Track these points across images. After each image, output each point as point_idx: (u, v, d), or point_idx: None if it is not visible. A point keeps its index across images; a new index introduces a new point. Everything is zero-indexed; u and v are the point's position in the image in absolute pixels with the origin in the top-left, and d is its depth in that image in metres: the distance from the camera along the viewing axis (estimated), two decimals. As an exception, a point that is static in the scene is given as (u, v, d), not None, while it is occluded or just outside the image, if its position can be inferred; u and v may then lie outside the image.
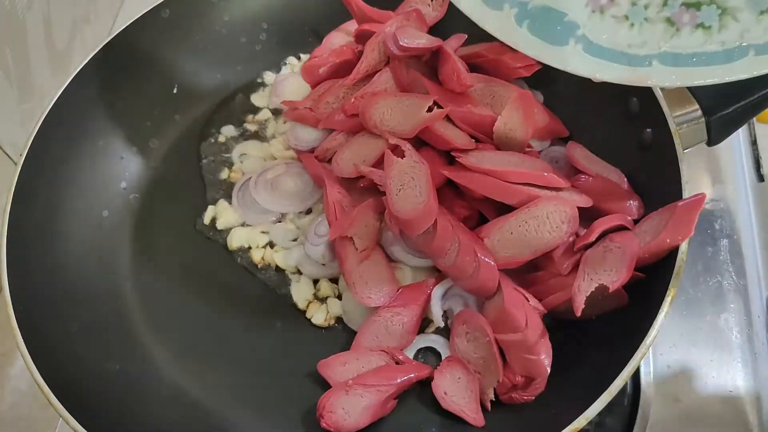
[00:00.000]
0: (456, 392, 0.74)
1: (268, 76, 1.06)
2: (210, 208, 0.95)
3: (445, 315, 0.82)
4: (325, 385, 0.76)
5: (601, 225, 0.74)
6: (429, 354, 0.81)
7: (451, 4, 0.99)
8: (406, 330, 0.79)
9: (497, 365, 0.73)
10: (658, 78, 0.60)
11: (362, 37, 0.95)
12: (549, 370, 0.71)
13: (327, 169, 0.89)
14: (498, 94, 0.87)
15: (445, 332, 0.81)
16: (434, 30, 1.00)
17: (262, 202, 0.92)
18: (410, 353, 0.80)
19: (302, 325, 0.85)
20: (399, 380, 0.74)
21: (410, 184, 0.77)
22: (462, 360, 0.76)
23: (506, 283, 0.75)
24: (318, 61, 0.96)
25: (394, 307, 0.79)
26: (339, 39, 1.02)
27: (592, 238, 0.74)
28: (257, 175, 0.94)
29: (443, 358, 0.79)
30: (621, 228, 0.75)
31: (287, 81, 1.03)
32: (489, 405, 0.73)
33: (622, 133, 0.84)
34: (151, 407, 0.79)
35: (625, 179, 0.81)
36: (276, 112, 1.03)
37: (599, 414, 0.63)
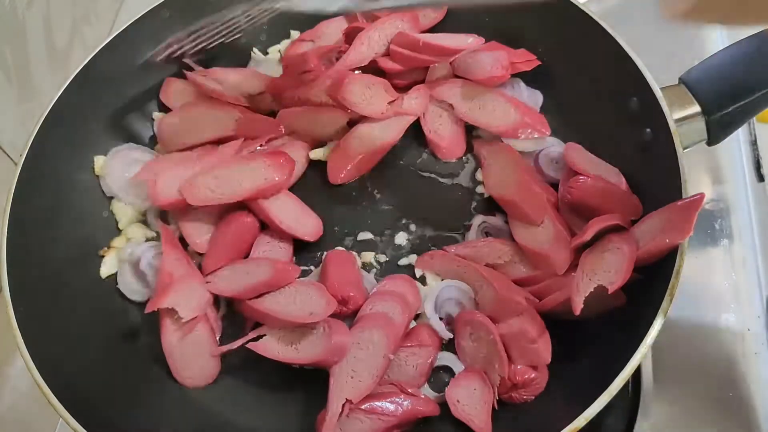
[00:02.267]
0: (469, 402, 0.73)
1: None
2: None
3: (447, 323, 0.81)
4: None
5: (597, 224, 0.74)
6: (442, 373, 0.79)
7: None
8: (419, 372, 0.76)
9: (502, 358, 0.73)
10: None
11: (351, 36, 0.96)
12: (550, 358, 0.72)
13: (167, 229, 0.87)
14: (486, 106, 0.91)
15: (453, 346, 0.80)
16: (433, 31, 1.00)
17: None
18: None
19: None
20: (401, 412, 0.72)
21: None
22: (481, 373, 0.75)
23: (493, 275, 0.76)
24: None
25: (411, 346, 0.77)
26: (332, 28, 1.02)
27: (587, 237, 0.74)
28: None
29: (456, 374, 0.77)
30: (620, 228, 0.75)
31: (261, 69, 1.03)
32: (496, 404, 0.73)
33: (622, 133, 0.84)
34: (151, 407, 0.79)
35: (624, 179, 0.81)
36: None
37: (599, 414, 0.63)
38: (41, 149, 0.85)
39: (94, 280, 0.87)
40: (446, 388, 0.74)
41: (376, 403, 0.72)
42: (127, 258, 0.87)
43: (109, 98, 0.95)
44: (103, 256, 0.89)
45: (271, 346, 0.75)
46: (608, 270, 0.71)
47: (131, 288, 0.87)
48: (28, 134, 0.85)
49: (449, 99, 0.94)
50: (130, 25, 0.95)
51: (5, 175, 0.84)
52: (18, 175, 0.82)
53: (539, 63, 0.93)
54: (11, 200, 0.81)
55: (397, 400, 0.73)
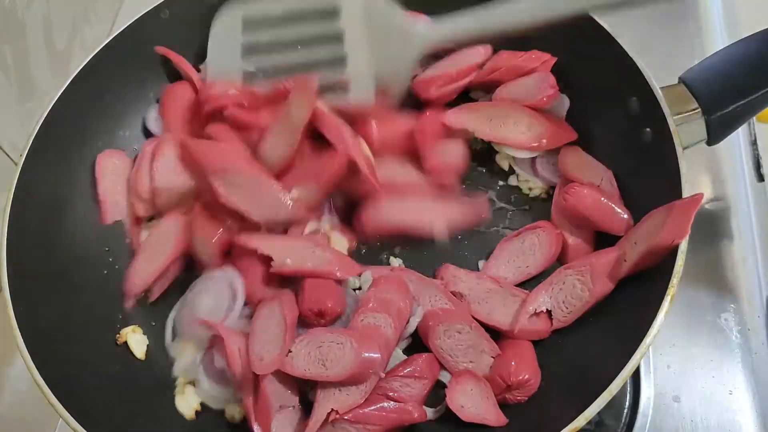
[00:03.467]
0: (472, 403, 0.73)
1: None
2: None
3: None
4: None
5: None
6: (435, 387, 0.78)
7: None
8: (413, 401, 0.74)
9: (490, 344, 0.74)
10: None
11: None
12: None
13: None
14: (507, 122, 0.89)
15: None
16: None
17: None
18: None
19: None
20: (388, 420, 0.72)
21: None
22: (469, 372, 0.75)
23: None
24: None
25: (404, 377, 0.75)
26: None
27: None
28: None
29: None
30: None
31: None
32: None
33: (622, 133, 0.84)
34: (151, 408, 0.79)
35: (616, 187, 0.82)
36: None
37: (599, 413, 0.63)
38: (41, 149, 0.85)
39: (94, 279, 0.87)
40: (446, 400, 0.73)
41: (361, 411, 0.71)
42: (198, 365, 0.80)
43: (109, 98, 0.95)
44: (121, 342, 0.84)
45: (298, 364, 0.72)
46: (566, 308, 0.75)
47: (213, 396, 0.79)
48: (28, 134, 0.85)
49: (466, 124, 0.91)
50: (130, 25, 0.95)
51: (5, 175, 0.84)
52: (18, 175, 0.82)
53: (554, 60, 0.92)
54: (11, 200, 0.80)
55: (384, 406, 0.72)
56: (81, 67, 0.91)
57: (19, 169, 0.83)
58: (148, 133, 0.98)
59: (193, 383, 0.81)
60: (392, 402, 0.73)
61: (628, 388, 0.84)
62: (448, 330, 0.76)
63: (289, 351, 0.72)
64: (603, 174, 0.83)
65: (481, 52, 0.95)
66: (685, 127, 0.77)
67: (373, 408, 0.72)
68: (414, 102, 0.96)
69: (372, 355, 0.70)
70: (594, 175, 0.83)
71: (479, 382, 0.74)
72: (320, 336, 0.73)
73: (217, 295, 0.81)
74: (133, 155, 0.97)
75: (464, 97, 0.97)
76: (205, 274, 0.84)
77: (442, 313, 0.78)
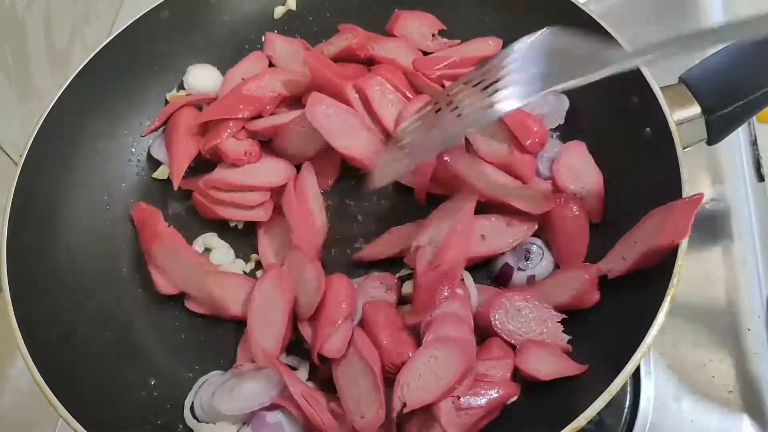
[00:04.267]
0: (545, 363, 0.72)
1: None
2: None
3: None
4: None
5: None
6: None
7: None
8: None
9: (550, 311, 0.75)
10: None
11: None
12: None
13: (287, 370, 0.77)
14: None
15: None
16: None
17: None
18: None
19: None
20: (492, 403, 0.70)
21: None
22: (531, 341, 0.73)
23: None
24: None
25: (488, 360, 0.73)
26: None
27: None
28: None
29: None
30: None
31: (196, 68, 1.02)
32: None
33: (622, 132, 0.84)
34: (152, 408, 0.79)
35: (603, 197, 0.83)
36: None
37: (599, 413, 0.63)
38: (41, 149, 0.85)
39: (94, 279, 0.87)
40: (521, 369, 0.72)
41: (469, 397, 0.70)
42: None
43: (109, 98, 0.95)
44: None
45: (420, 393, 0.68)
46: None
47: None
48: (28, 134, 0.85)
49: None
50: (130, 25, 0.95)
51: (5, 175, 0.84)
52: (18, 175, 0.82)
53: None
54: (11, 200, 0.81)
55: (483, 391, 0.70)
56: (81, 67, 0.91)
57: (19, 169, 0.83)
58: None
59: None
60: (488, 383, 0.71)
61: (628, 388, 0.84)
62: (508, 312, 0.75)
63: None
64: (595, 182, 0.84)
65: (490, 45, 0.94)
66: (685, 126, 0.77)
67: (476, 394, 0.70)
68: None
69: (462, 339, 0.71)
70: (586, 181, 0.84)
71: (545, 346, 0.73)
72: (415, 364, 0.71)
73: (262, 387, 0.76)
74: (133, 156, 0.97)
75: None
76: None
77: (493, 299, 0.76)
